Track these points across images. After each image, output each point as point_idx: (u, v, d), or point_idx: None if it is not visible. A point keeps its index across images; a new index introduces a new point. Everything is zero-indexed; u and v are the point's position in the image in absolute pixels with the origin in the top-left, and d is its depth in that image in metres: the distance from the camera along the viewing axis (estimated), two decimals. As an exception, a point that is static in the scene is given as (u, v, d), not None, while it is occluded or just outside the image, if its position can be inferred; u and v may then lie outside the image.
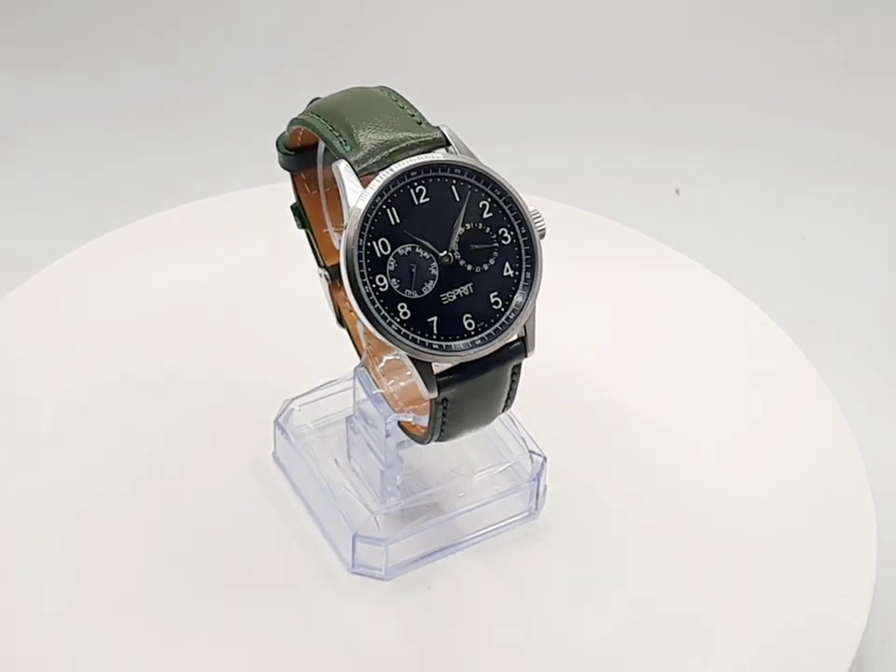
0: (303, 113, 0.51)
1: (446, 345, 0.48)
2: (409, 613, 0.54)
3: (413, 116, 0.50)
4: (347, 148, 0.49)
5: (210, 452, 0.59)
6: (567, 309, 0.64)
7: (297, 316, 0.62)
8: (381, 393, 0.54)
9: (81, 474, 0.58)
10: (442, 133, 0.49)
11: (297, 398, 0.58)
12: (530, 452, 0.57)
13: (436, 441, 0.52)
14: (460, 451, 0.57)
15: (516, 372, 0.50)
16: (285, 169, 0.55)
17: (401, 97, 0.51)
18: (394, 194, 0.48)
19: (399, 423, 0.54)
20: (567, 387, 0.62)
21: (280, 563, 0.55)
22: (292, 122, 0.52)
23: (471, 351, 0.48)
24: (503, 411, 0.52)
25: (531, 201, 0.50)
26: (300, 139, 0.53)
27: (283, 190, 0.56)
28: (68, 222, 0.76)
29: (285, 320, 0.63)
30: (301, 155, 0.54)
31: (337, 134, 0.49)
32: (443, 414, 0.50)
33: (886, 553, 0.57)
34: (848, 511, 0.57)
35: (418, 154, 0.48)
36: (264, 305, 0.64)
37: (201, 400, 0.61)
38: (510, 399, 0.51)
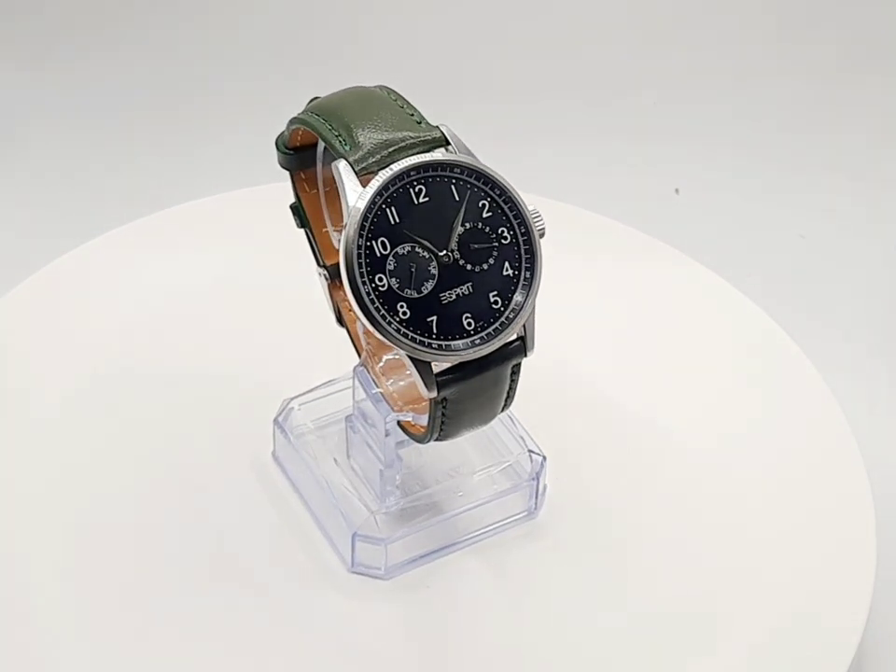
0: (303, 112, 0.51)
1: (445, 345, 0.48)
2: (408, 613, 0.54)
3: (412, 115, 0.50)
4: (347, 148, 0.49)
5: (210, 451, 0.59)
6: (567, 308, 0.64)
7: (296, 316, 0.62)
8: (380, 392, 0.54)
9: (81, 473, 0.58)
10: (442, 132, 0.49)
11: (296, 397, 0.58)
12: (529, 451, 0.57)
13: (435, 440, 0.52)
14: (460, 450, 0.57)
15: (515, 371, 0.50)
16: (284, 168, 0.54)
17: (401, 96, 0.51)
18: (393, 193, 0.48)
19: (398, 422, 0.54)
20: (566, 386, 0.62)
21: (279, 563, 0.55)
22: (291, 122, 0.52)
23: (471, 350, 0.48)
24: (503, 410, 0.52)
25: (531, 200, 0.50)
26: (299, 139, 0.53)
27: (282, 189, 0.56)
28: (68, 222, 0.76)
29: (284, 320, 0.63)
30: (301, 154, 0.54)
31: (336, 134, 0.49)
32: (443, 414, 0.50)
33: (886, 553, 0.57)
34: (848, 511, 0.57)
35: (417, 153, 0.48)
36: (263, 305, 0.64)
37: (200, 400, 0.61)
38: (509, 398, 0.51)
